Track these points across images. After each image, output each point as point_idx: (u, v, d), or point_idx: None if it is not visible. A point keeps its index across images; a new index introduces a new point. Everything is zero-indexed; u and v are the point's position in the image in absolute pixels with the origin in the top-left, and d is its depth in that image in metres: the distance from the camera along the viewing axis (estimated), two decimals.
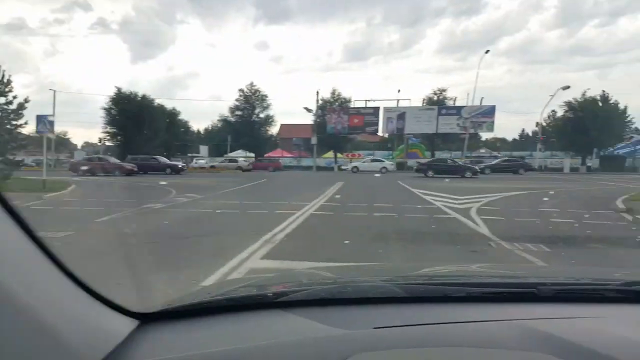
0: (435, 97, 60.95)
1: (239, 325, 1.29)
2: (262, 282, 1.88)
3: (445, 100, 60.55)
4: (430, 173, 37.66)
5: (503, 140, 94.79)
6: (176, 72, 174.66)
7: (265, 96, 64.44)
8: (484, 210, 13.24)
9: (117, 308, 1.23)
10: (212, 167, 55.23)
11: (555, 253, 7.73)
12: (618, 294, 1.45)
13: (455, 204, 15.01)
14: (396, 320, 1.26)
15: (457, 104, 59.39)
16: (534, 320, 1.24)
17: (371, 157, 53.25)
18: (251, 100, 63.98)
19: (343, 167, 53.44)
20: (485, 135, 72.55)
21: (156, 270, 6.37)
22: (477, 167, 39.27)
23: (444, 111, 58.18)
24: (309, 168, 57.60)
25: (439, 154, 62.08)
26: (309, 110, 60.70)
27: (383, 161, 49.91)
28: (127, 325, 1.22)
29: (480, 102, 57.41)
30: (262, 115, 64.79)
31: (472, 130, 57.43)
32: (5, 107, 22.56)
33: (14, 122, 22.82)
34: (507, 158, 51.79)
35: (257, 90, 64.30)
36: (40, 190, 17.75)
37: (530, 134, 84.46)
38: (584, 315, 1.30)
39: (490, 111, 57.73)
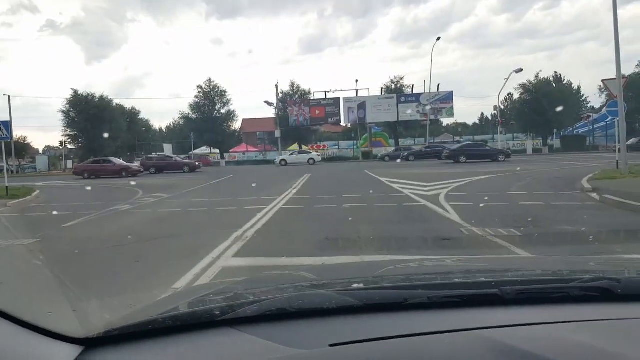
0: (393, 86, 61.20)
1: (185, 348, 1.20)
2: (220, 292, 1.79)
3: (403, 88, 60.93)
4: (462, 159, 35.93)
5: (464, 125, 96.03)
6: (132, 71, 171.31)
7: (225, 91, 63.69)
8: (452, 197, 13.28)
9: (56, 336, 1.15)
10: None
11: (527, 236, 7.71)
12: (582, 292, 1.38)
13: (423, 191, 15.07)
14: (353, 335, 1.17)
15: (415, 91, 59.84)
16: (496, 330, 1.18)
17: (298, 150, 54.30)
18: (210, 96, 63.04)
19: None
20: (446, 121, 73.63)
21: (122, 277, 6.21)
22: (509, 150, 39.34)
23: (403, 99, 58.61)
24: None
25: (403, 142, 62.71)
26: (269, 103, 60.95)
27: (310, 153, 51.37)
28: (68, 354, 1.13)
29: (438, 89, 58.32)
30: (223, 111, 64.01)
31: (432, 117, 58.13)
32: None
33: None
34: (429, 145, 52.63)
35: (215, 86, 63.43)
36: (4, 198, 17.24)
37: (490, 117, 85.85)
38: (547, 320, 1.23)
39: (448, 97, 58.53)
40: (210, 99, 63.03)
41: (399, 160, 43.35)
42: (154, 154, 54.78)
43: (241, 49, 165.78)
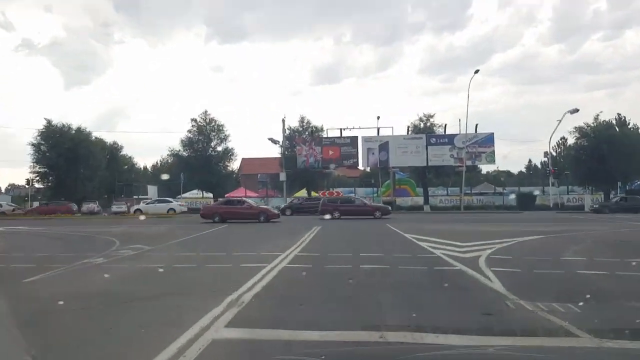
0: (422, 124, 61.12)
1: None
2: None
3: (434, 128, 60.76)
4: None
5: (508, 173, 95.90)
6: (117, 100, 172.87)
7: (222, 126, 64.48)
8: (494, 260, 13.02)
9: None
10: None
11: (588, 314, 7.41)
12: None
13: (458, 252, 14.86)
14: None
15: (448, 131, 59.66)
16: None
17: (157, 199, 57.05)
18: (206, 131, 63.64)
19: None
20: (485, 168, 73.19)
21: (90, 348, 6.11)
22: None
23: (433, 140, 58.38)
24: None
25: (433, 191, 62.30)
26: (274, 141, 60.70)
27: (171, 201, 53.57)
28: None
29: (476, 129, 57.72)
30: (219, 149, 64.53)
31: (469, 162, 57.78)
32: None
33: None
34: (307, 197, 56.30)
35: (212, 120, 64.25)
36: None
37: (540, 165, 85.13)
38: None
39: (488, 139, 58.17)
40: (206, 135, 63.52)
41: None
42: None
43: (244, 78, 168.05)
